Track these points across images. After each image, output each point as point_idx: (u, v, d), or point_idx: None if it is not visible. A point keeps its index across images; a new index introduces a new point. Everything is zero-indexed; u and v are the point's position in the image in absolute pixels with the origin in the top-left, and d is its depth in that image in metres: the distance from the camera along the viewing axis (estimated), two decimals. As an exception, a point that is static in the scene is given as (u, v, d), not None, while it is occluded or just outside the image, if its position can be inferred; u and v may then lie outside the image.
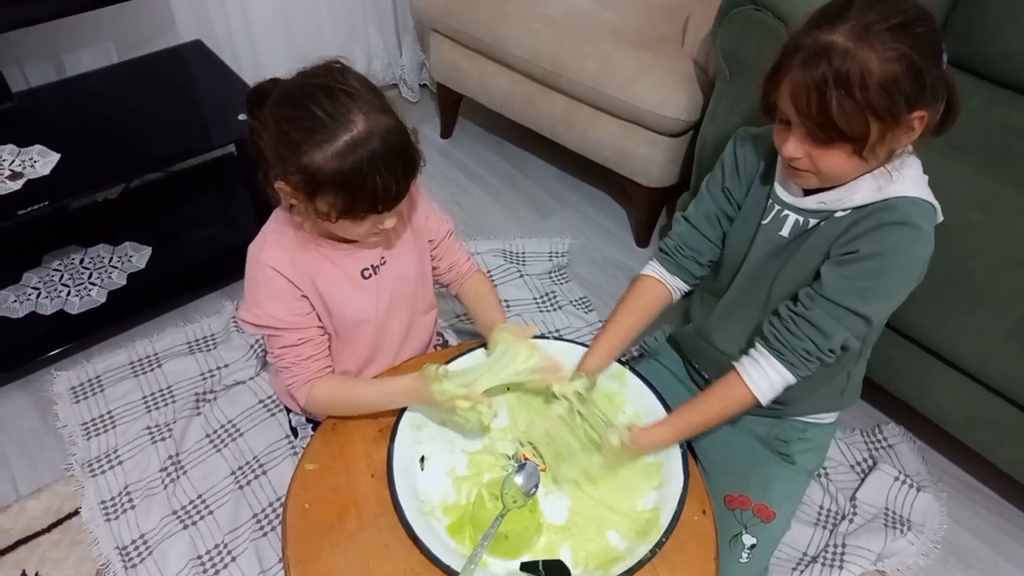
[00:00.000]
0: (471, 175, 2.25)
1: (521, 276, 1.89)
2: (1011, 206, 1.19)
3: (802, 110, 0.90)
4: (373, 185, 0.94)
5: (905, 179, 0.97)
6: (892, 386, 1.46)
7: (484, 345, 1.19)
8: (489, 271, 1.89)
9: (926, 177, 1.01)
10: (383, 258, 1.16)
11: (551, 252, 1.97)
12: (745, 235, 1.14)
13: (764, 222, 1.10)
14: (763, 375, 1.06)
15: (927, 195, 0.99)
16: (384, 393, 1.14)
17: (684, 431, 1.10)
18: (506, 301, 1.82)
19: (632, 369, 1.21)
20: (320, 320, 1.14)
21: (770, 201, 1.09)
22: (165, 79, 1.84)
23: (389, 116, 0.97)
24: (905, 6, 0.88)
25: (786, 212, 1.07)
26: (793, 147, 0.95)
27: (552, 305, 1.83)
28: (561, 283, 1.90)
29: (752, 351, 1.09)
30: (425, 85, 2.56)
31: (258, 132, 1.00)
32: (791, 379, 1.06)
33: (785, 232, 1.08)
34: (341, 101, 0.94)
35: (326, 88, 0.94)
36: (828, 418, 1.30)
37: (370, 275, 1.15)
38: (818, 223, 1.04)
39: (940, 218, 1.00)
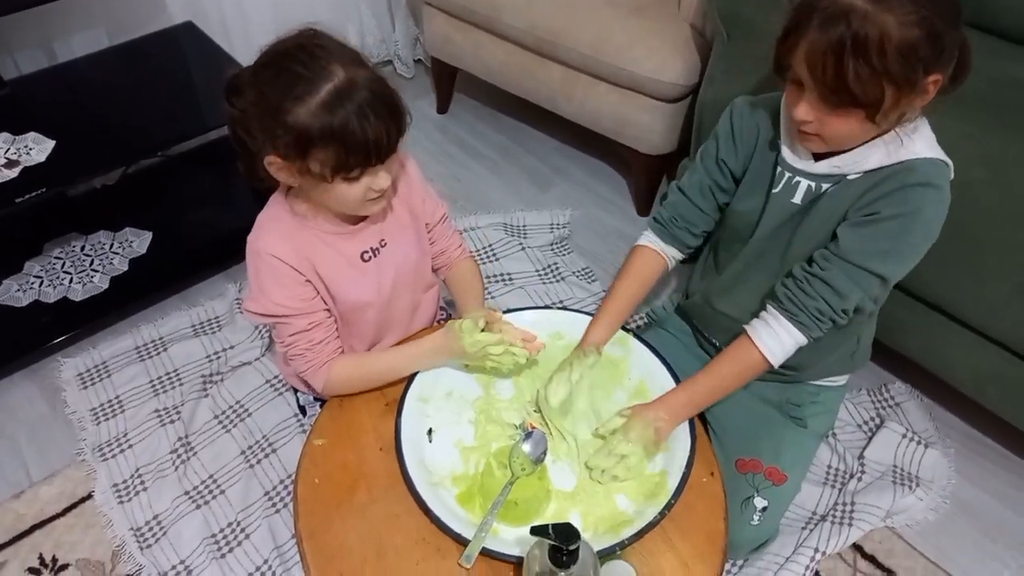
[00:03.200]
0: (469, 150, 2.23)
1: (523, 249, 1.88)
2: (1015, 161, 1.18)
3: (817, 75, 0.88)
4: (363, 135, 0.93)
5: (918, 140, 0.96)
6: (899, 345, 1.45)
7: None
8: (490, 245, 1.89)
9: (934, 137, 1.00)
10: (383, 240, 1.15)
11: (552, 224, 1.96)
12: (754, 206, 1.12)
13: (775, 191, 1.08)
14: (774, 337, 1.06)
15: (941, 154, 0.98)
16: (409, 356, 1.14)
17: (702, 402, 1.09)
18: (508, 274, 1.82)
19: (635, 335, 1.21)
20: (325, 303, 1.14)
21: (779, 169, 1.07)
22: (158, 62, 1.83)
23: (367, 69, 0.95)
24: None
25: (798, 179, 1.06)
26: (804, 110, 0.94)
27: (555, 277, 1.82)
28: (563, 254, 1.90)
29: (763, 313, 1.08)
30: (420, 60, 2.53)
31: (238, 120, 0.99)
32: (802, 340, 1.05)
33: (798, 199, 1.07)
34: (318, 55, 0.93)
35: (300, 47, 0.94)
36: (840, 381, 1.30)
37: (370, 258, 1.14)
38: (830, 187, 1.03)
39: (952, 175, 1.00)
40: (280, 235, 1.07)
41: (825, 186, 1.04)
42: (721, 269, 1.24)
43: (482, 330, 1.09)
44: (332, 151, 0.94)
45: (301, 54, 0.93)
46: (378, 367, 1.15)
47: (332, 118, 0.91)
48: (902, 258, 1.00)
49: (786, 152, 1.06)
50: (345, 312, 1.17)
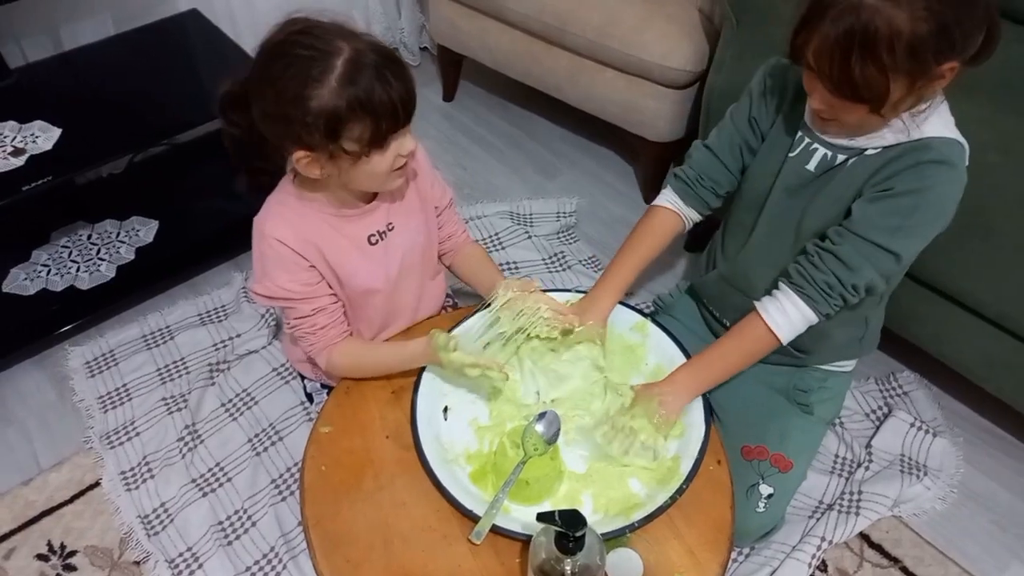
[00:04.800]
0: (475, 138, 2.22)
1: (529, 237, 1.87)
2: (1029, 146, 1.16)
3: (824, 69, 0.89)
4: (389, 97, 0.93)
5: (934, 120, 0.96)
6: (909, 333, 1.44)
7: (488, 306, 1.19)
8: (496, 233, 1.88)
9: (952, 119, 1.00)
10: (390, 224, 1.15)
11: (558, 212, 1.95)
12: (770, 168, 1.12)
13: (791, 155, 1.08)
14: (782, 312, 1.05)
15: (958, 135, 0.98)
16: (399, 356, 1.15)
17: (709, 377, 1.09)
18: (515, 263, 1.81)
19: (653, 320, 1.20)
20: (331, 288, 1.14)
21: (799, 134, 1.08)
22: (163, 50, 1.82)
23: (363, 37, 0.95)
24: None
25: (815, 145, 1.06)
26: (818, 100, 0.95)
27: (561, 265, 1.82)
28: (569, 243, 1.89)
29: (775, 289, 1.08)
30: (425, 48, 2.52)
31: (246, 132, 0.99)
32: (812, 317, 1.05)
33: (812, 166, 1.07)
34: (319, 35, 0.93)
35: (299, 32, 0.93)
36: (847, 366, 1.30)
37: (376, 241, 1.14)
38: (846, 160, 1.03)
39: (967, 159, 0.99)
40: (286, 219, 1.07)
41: (841, 157, 1.04)
42: (736, 242, 1.23)
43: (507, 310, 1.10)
44: (365, 123, 0.93)
45: (303, 38, 0.92)
46: (375, 360, 1.17)
47: (356, 89, 0.91)
48: (914, 234, 0.99)
49: (809, 116, 1.06)
50: (353, 297, 1.17)
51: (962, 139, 0.98)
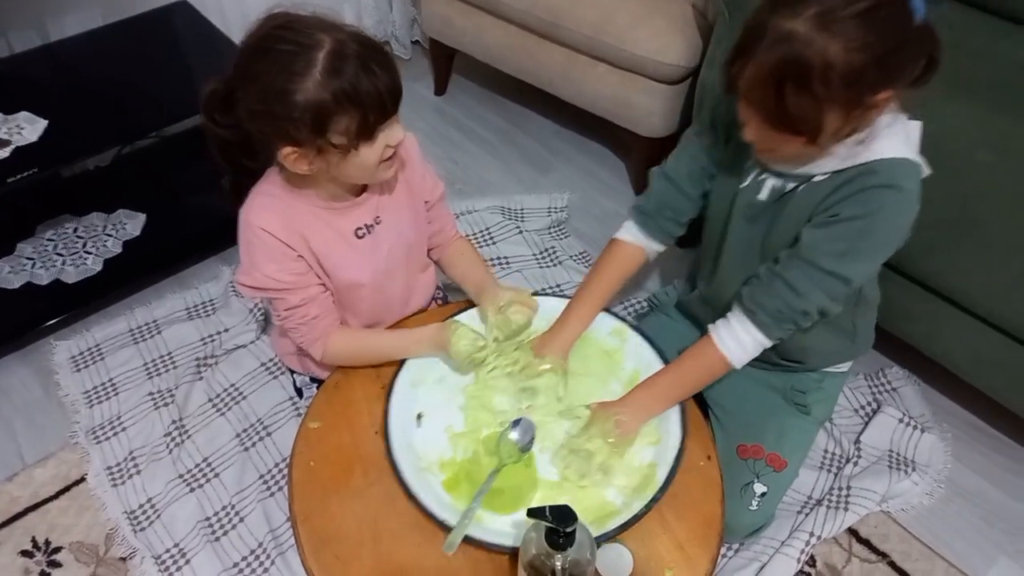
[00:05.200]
0: (467, 132, 2.21)
1: (520, 232, 1.87)
2: (1021, 144, 1.16)
3: (755, 101, 0.87)
4: (375, 87, 0.92)
5: (883, 140, 0.94)
6: (899, 330, 1.44)
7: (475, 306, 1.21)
8: (487, 228, 1.87)
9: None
10: (378, 217, 1.14)
11: (550, 207, 1.94)
12: (725, 197, 1.11)
13: (742, 186, 1.07)
14: (734, 336, 1.05)
15: (910, 153, 0.96)
16: (403, 341, 1.15)
17: (664, 399, 1.08)
18: (505, 258, 1.81)
19: (631, 325, 1.19)
20: (320, 279, 1.13)
21: (749, 163, 1.06)
22: (152, 42, 1.80)
23: (344, 27, 0.95)
24: None
25: (764, 175, 1.05)
26: (752, 131, 0.93)
27: (552, 261, 1.81)
28: (561, 238, 1.89)
29: (728, 313, 1.07)
30: (417, 42, 2.51)
31: (231, 129, 0.98)
32: (764, 341, 1.04)
33: (763, 196, 1.05)
34: (299, 29, 0.92)
35: (279, 27, 0.93)
36: (843, 367, 1.30)
37: (364, 234, 1.13)
38: (796, 187, 1.01)
39: (927, 172, 0.97)
40: (273, 210, 1.06)
41: (791, 185, 1.02)
42: (709, 265, 1.22)
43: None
44: (352, 115, 0.93)
45: (285, 32, 0.92)
46: (373, 348, 1.16)
47: (341, 81, 0.90)
48: (862, 259, 0.98)
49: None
50: (339, 290, 1.16)
51: (915, 157, 0.96)
